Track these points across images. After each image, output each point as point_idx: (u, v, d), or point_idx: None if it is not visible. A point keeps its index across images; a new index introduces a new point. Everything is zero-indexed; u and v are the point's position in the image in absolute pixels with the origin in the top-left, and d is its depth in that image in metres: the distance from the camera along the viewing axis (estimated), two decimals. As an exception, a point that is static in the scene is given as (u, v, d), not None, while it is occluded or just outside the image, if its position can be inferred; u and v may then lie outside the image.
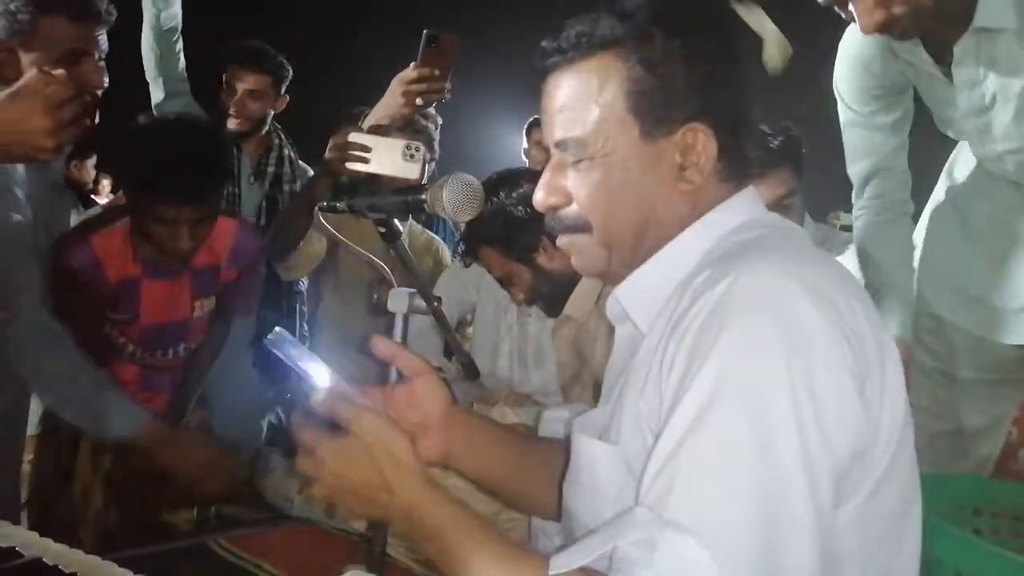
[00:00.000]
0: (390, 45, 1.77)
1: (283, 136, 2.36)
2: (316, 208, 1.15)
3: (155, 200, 1.46)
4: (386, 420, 0.80)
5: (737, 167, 0.81)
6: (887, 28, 1.17)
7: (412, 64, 1.55)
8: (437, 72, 1.53)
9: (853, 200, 1.55)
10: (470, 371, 1.33)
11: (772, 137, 1.56)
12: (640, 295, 0.81)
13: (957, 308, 1.45)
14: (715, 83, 0.78)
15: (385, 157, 1.32)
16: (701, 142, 0.77)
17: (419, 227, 2.36)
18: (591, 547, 0.65)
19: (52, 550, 0.99)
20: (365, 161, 1.34)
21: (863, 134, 1.49)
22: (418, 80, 1.54)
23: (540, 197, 0.84)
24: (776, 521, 0.62)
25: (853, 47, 1.44)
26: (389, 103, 1.58)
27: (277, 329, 0.89)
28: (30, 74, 1.08)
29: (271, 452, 1.40)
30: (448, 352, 1.72)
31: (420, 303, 1.22)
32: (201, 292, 1.73)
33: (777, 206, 1.56)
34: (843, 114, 1.50)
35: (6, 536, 1.02)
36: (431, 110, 2.35)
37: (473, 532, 0.72)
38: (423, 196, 1.05)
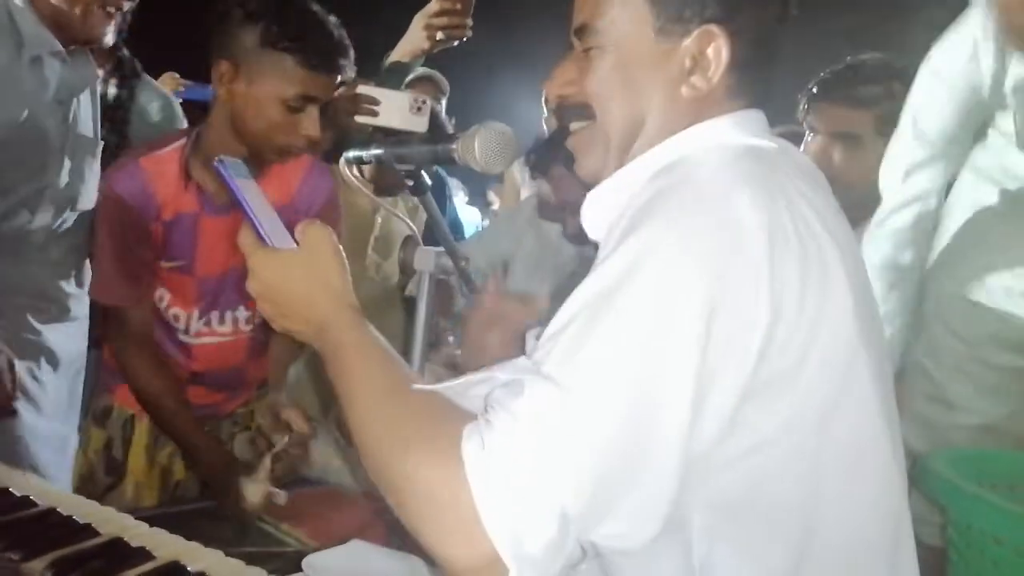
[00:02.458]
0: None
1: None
2: (342, 160, 1.09)
3: (300, 62, 1.22)
4: (332, 239, 0.80)
5: (752, 86, 0.76)
6: None
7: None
8: (459, 6, 1.49)
9: (891, 188, 1.45)
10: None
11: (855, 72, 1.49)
12: (604, 201, 0.78)
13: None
14: None
15: (393, 110, 1.30)
16: (714, 47, 0.73)
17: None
18: (469, 380, 0.66)
19: (66, 500, 0.95)
20: (374, 115, 1.32)
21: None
22: (440, 14, 1.49)
23: (550, 89, 0.82)
24: (646, 412, 0.59)
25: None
26: (411, 39, 1.53)
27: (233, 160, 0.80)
28: None
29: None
30: None
31: (447, 262, 1.17)
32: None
33: (832, 140, 1.51)
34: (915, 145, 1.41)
35: (21, 486, 0.99)
36: (442, 77, 2.29)
37: (372, 359, 0.72)
38: (453, 146, 0.99)
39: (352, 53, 1.29)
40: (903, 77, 1.48)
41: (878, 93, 1.49)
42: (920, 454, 1.19)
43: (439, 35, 1.50)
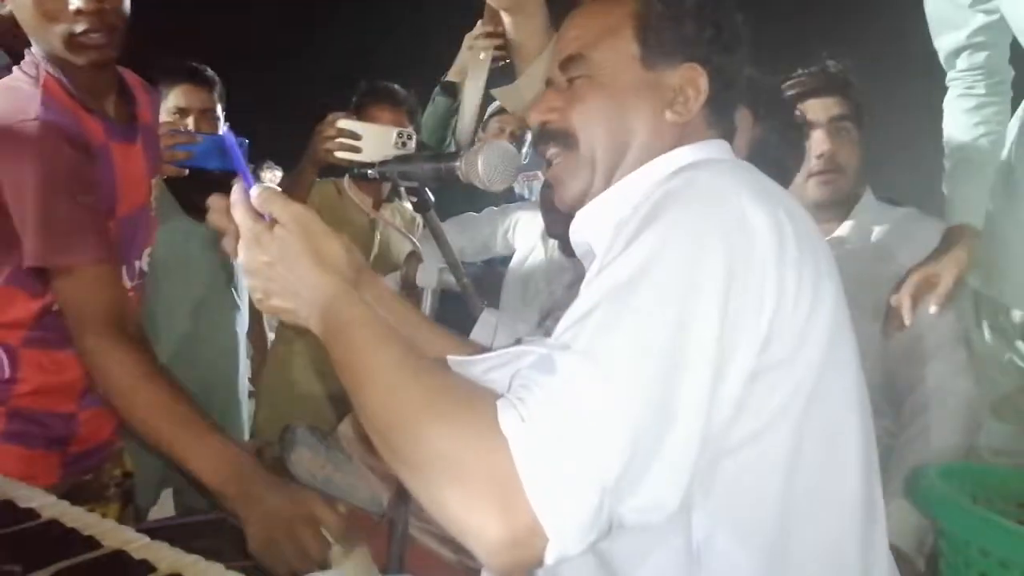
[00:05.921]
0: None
1: None
2: (346, 176, 1.09)
3: None
4: (319, 220, 0.77)
5: (723, 120, 0.84)
6: None
7: (479, 22, 1.63)
8: (500, 28, 1.55)
9: (947, 71, 1.41)
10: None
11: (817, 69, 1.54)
12: (598, 215, 0.82)
13: None
14: (720, 41, 0.81)
15: (376, 145, 1.27)
16: (697, 81, 0.80)
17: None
18: (492, 359, 0.65)
19: (69, 513, 0.93)
20: (356, 150, 1.28)
21: (944, 6, 1.34)
22: (481, 36, 1.61)
23: (533, 115, 0.85)
24: (676, 383, 0.61)
25: None
26: (459, 59, 1.67)
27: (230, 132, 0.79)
28: None
29: (296, 426, 1.34)
30: None
31: (450, 278, 1.16)
32: (152, 163, 1.23)
33: (832, 128, 1.52)
34: None
35: (24, 498, 0.96)
36: None
37: (383, 336, 0.69)
38: (457, 163, 0.99)
39: None
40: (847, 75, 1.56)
41: (847, 78, 1.56)
42: None
43: (481, 55, 1.59)
